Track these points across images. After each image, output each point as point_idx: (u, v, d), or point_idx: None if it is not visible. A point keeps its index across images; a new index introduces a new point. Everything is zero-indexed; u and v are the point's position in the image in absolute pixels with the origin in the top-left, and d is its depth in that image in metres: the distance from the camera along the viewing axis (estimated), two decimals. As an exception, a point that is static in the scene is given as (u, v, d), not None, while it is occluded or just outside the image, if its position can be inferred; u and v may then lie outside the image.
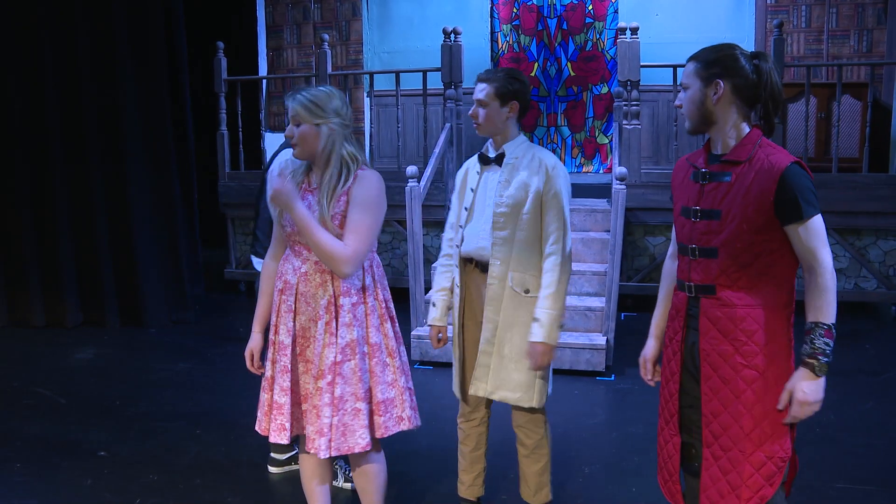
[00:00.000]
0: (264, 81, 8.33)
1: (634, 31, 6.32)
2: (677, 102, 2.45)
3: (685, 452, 2.55)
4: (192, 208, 7.11)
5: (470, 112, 3.01)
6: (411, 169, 5.66)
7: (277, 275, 2.79)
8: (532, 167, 2.96)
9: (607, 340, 5.25)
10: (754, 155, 2.29)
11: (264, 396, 2.78)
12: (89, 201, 6.45)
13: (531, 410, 3.08)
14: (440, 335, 3.23)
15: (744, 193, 2.27)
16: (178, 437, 4.28)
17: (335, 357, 2.67)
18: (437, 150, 6.33)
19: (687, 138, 7.28)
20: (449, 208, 3.25)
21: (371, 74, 7.36)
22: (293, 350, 2.71)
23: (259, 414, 2.80)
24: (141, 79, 6.43)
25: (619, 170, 5.61)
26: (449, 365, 5.40)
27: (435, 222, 6.83)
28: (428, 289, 5.97)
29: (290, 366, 2.71)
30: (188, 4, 7.14)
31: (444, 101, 6.71)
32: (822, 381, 2.27)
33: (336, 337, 2.67)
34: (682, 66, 6.86)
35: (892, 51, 7.44)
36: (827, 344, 2.24)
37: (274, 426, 2.72)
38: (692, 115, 2.38)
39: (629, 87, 6.34)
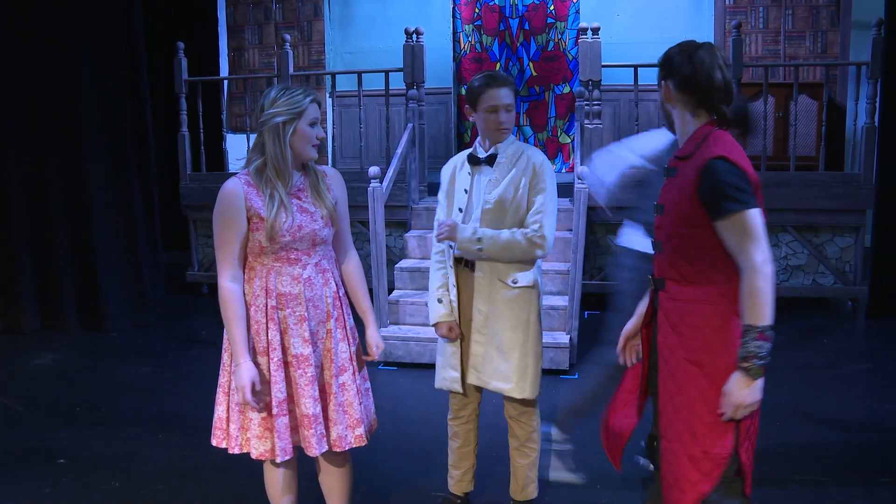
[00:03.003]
0: (225, 82, 8.25)
1: (596, 31, 6.37)
2: None
3: (650, 443, 2.57)
4: (152, 210, 7.01)
5: (503, 119, 3.05)
6: (374, 170, 5.64)
7: (258, 292, 2.65)
8: (520, 165, 3.05)
9: (571, 339, 5.29)
10: (697, 150, 2.28)
11: (281, 421, 2.65)
12: (47, 203, 6.33)
13: (523, 403, 3.16)
14: (452, 329, 3.17)
15: (678, 188, 2.28)
16: (141, 443, 4.23)
17: (349, 348, 2.79)
18: (399, 151, 6.32)
19: (648, 138, 7.34)
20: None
21: (333, 75, 7.32)
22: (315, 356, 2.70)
23: (256, 441, 2.68)
24: (99, 79, 6.34)
25: (581, 169, 5.65)
26: (412, 366, 5.43)
27: (397, 223, 6.82)
28: (391, 290, 5.96)
29: (316, 374, 2.69)
30: (147, 4, 7.05)
31: (407, 101, 6.70)
32: (757, 383, 2.20)
33: (345, 329, 2.79)
34: (644, 66, 6.96)
35: (845, 52, 7.60)
36: (759, 347, 2.16)
37: (314, 439, 2.66)
38: (664, 117, 2.47)
39: (591, 87, 6.39)
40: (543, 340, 5.13)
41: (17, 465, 3.95)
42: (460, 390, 3.19)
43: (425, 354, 5.39)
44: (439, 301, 3.16)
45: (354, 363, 2.81)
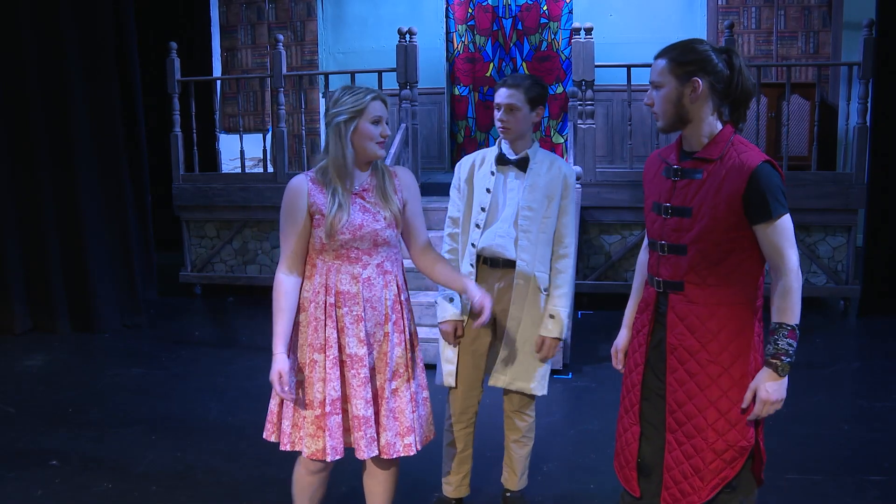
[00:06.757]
0: (218, 82, 8.24)
1: (589, 31, 6.38)
2: (647, 101, 2.41)
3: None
4: (144, 211, 6.99)
5: (499, 117, 3.03)
6: (367, 170, 5.63)
7: (318, 288, 2.65)
8: (552, 174, 3.09)
9: (564, 339, 5.28)
10: (726, 153, 2.29)
11: (334, 420, 2.62)
12: (38, 203, 6.29)
13: (530, 397, 3.22)
14: (458, 329, 3.16)
15: (714, 191, 2.28)
16: (133, 444, 4.21)
17: (406, 354, 2.74)
18: (392, 151, 6.32)
19: (642, 137, 7.38)
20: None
21: (326, 75, 7.31)
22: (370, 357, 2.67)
23: (309, 440, 2.65)
24: (90, 79, 6.30)
25: (575, 169, 5.65)
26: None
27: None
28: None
29: (370, 375, 2.67)
30: (139, 4, 7.03)
31: (400, 101, 6.70)
32: (784, 380, 2.29)
33: (404, 333, 2.75)
34: (636, 65, 6.98)
35: (836, 52, 7.63)
36: (790, 345, 2.26)
37: (364, 442, 2.64)
38: (666, 114, 2.35)
39: (584, 87, 6.40)
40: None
41: (8, 467, 3.93)
42: (453, 384, 3.20)
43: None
44: (450, 300, 3.13)
45: (411, 370, 2.76)
